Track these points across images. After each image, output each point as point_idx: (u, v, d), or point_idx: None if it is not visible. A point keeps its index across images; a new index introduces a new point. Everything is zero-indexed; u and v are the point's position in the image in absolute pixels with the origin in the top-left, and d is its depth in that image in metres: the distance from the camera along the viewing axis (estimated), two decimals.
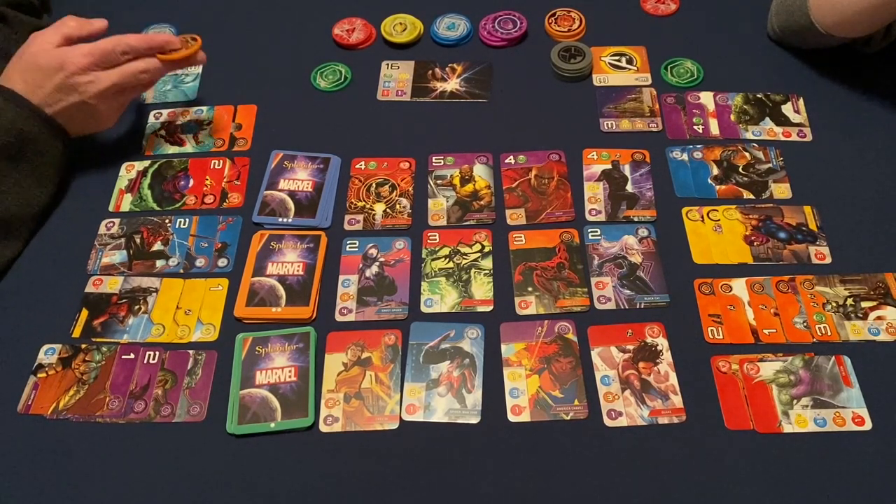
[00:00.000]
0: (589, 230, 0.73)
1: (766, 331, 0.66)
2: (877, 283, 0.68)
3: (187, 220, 0.75)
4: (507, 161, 0.79)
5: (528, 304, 0.68)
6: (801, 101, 0.82)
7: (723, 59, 0.87)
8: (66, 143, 0.75)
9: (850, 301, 0.67)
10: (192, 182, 0.78)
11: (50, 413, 0.63)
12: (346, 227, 0.75)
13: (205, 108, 0.85)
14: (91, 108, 0.73)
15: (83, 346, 0.67)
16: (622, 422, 0.61)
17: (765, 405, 0.61)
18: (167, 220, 0.75)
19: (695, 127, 0.81)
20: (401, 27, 0.91)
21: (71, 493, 0.59)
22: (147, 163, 0.80)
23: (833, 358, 0.64)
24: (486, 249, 0.72)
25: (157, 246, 0.73)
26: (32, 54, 0.72)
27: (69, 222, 0.76)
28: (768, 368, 0.63)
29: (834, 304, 0.67)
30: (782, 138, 0.80)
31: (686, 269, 0.70)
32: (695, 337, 0.66)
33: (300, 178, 0.78)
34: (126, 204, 0.77)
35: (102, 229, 0.75)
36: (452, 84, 0.86)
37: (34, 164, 0.72)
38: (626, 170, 0.77)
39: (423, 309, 0.68)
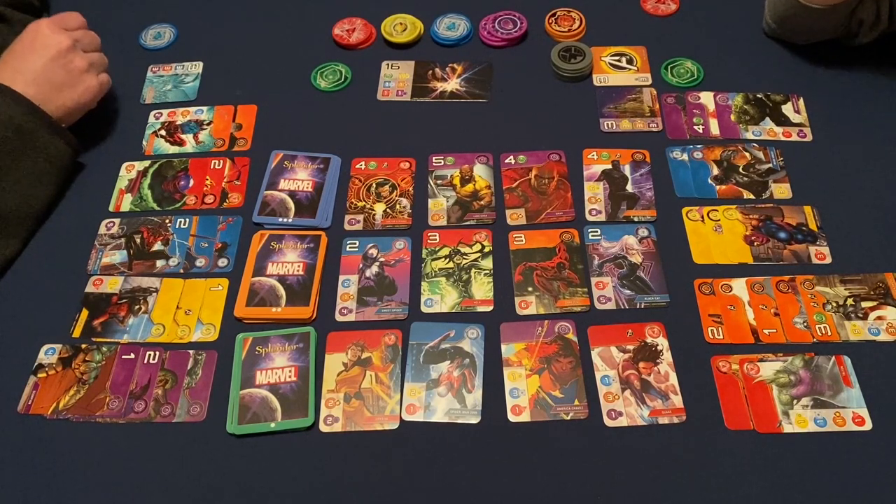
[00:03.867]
0: (589, 230, 0.73)
1: (766, 331, 0.66)
2: (877, 283, 0.68)
3: (187, 220, 0.75)
4: (507, 161, 0.79)
5: (528, 304, 0.68)
6: (801, 101, 0.82)
7: (723, 59, 0.87)
8: (69, 143, 0.75)
9: (850, 301, 0.67)
10: (192, 182, 0.78)
11: (50, 413, 0.63)
12: (347, 227, 0.75)
13: (205, 108, 0.85)
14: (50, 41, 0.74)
15: (83, 346, 0.67)
16: (622, 422, 0.61)
17: (765, 405, 0.61)
18: (167, 220, 0.75)
19: (695, 127, 0.81)
20: (401, 27, 0.91)
21: (71, 494, 0.59)
22: (147, 163, 0.80)
23: (833, 358, 0.64)
24: (487, 249, 0.72)
25: (158, 246, 0.73)
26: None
27: (69, 222, 0.76)
28: (768, 368, 0.63)
29: (834, 304, 0.67)
30: (782, 138, 0.80)
31: (686, 269, 0.70)
32: (695, 337, 0.66)
33: (300, 178, 0.78)
34: (126, 204, 0.77)
35: (102, 229, 0.75)
36: (452, 84, 0.86)
37: (33, 161, 0.72)
38: (627, 170, 0.77)
39: (424, 309, 0.68)
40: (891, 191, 0.75)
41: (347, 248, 0.73)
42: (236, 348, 0.66)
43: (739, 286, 0.68)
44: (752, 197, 0.75)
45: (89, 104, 0.78)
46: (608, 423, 0.61)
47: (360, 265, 0.72)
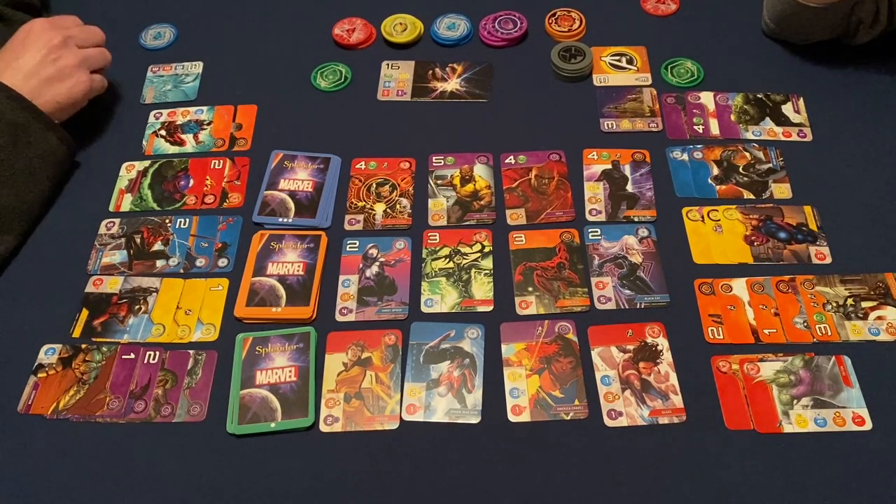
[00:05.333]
0: (589, 230, 0.73)
1: (766, 331, 0.66)
2: (877, 283, 0.68)
3: (187, 220, 0.75)
4: (507, 161, 0.79)
5: (528, 304, 0.68)
6: (801, 101, 0.82)
7: (723, 59, 0.87)
8: (62, 140, 0.75)
9: (850, 301, 0.67)
10: (192, 182, 0.78)
11: (50, 413, 0.63)
12: (347, 227, 0.75)
13: (205, 108, 0.85)
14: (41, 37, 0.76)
15: (83, 346, 0.67)
16: (622, 422, 0.61)
17: (765, 405, 0.61)
18: (167, 220, 0.75)
19: (695, 127, 0.81)
20: (401, 27, 0.91)
21: (71, 493, 0.59)
22: (147, 163, 0.80)
23: (833, 358, 0.64)
24: (487, 249, 0.72)
25: (158, 246, 0.73)
26: None
27: (69, 222, 0.76)
28: (768, 368, 0.64)
29: (834, 304, 0.67)
30: (782, 138, 0.80)
31: (686, 269, 0.70)
32: (695, 337, 0.66)
33: (300, 178, 0.78)
34: (126, 204, 0.77)
35: (102, 229, 0.75)
36: (452, 84, 0.86)
37: (26, 156, 0.72)
38: (627, 170, 0.77)
39: (424, 309, 0.68)
40: (891, 191, 0.75)
41: (347, 248, 0.73)
42: (236, 348, 0.66)
43: (739, 286, 0.68)
44: (752, 197, 0.75)
45: (80, 101, 0.78)
46: (608, 423, 0.61)
47: (360, 265, 0.72)
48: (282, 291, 0.69)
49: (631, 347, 0.65)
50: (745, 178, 0.76)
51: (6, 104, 0.71)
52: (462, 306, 0.68)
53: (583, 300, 0.68)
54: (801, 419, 0.61)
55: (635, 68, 0.87)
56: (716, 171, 0.77)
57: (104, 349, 0.67)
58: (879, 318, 0.66)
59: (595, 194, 0.76)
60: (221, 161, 0.80)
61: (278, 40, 0.92)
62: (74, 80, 0.76)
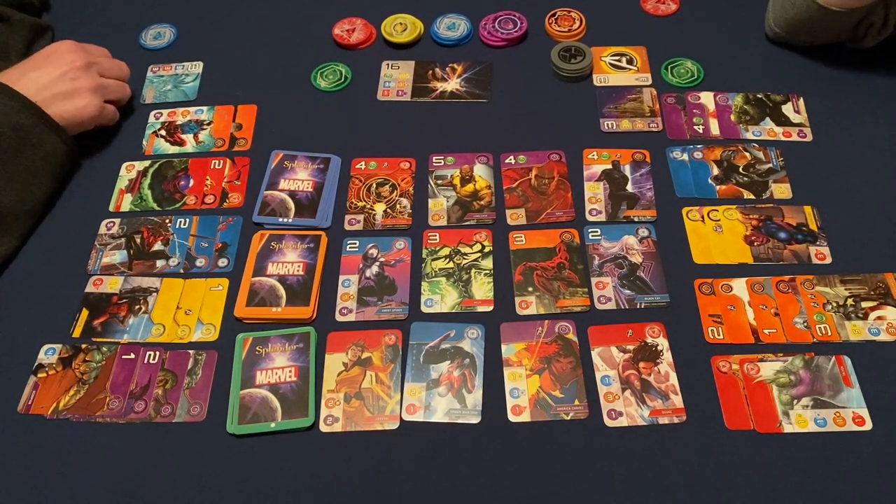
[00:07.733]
0: (589, 230, 0.73)
1: (766, 331, 0.66)
2: (877, 283, 0.68)
3: (187, 220, 0.75)
4: (507, 161, 0.79)
5: (528, 304, 0.68)
6: (801, 101, 0.82)
7: (723, 59, 0.87)
8: (65, 142, 0.75)
9: (850, 301, 0.67)
10: (192, 182, 0.78)
11: (50, 413, 0.63)
12: (347, 227, 0.75)
13: (205, 108, 0.85)
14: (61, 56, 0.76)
15: (83, 346, 0.67)
16: (622, 422, 0.61)
17: (765, 405, 0.61)
18: (167, 220, 0.75)
19: (695, 127, 0.81)
20: (401, 27, 0.91)
21: (71, 493, 0.59)
22: (147, 163, 0.80)
23: (833, 358, 0.64)
24: (487, 249, 0.72)
25: (158, 246, 0.73)
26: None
27: (69, 222, 0.76)
28: (768, 368, 0.64)
29: (834, 304, 0.67)
30: (782, 138, 0.80)
31: (686, 269, 0.70)
32: (695, 337, 0.66)
33: (300, 178, 0.78)
34: (126, 204, 0.77)
35: (102, 229, 0.75)
36: (452, 84, 0.86)
37: (29, 158, 0.72)
38: (627, 170, 0.77)
39: (424, 309, 0.68)
40: (891, 191, 0.75)
41: (347, 248, 0.73)
42: (236, 348, 0.66)
43: (739, 286, 0.68)
44: (752, 197, 0.75)
45: (87, 123, 0.77)
46: (608, 423, 0.61)
47: (361, 265, 0.72)
48: (282, 291, 0.69)
49: (631, 347, 0.65)
50: (745, 178, 0.76)
51: (10, 106, 0.71)
52: (462, 306, 0.68)
53: (583, 300, 0.68)
54: (801, 419, 0.61)
55: (635, 68, 0.87)
56: (716, 171, 0.77)
57: (104, 349, 0.67)
58: (879, 318, 0.66)
59: (595, 194, 0.76)
60: (221, 161, 0.80)
61: (278, 40, 0.92)
62: (86, 101, 0.76)
